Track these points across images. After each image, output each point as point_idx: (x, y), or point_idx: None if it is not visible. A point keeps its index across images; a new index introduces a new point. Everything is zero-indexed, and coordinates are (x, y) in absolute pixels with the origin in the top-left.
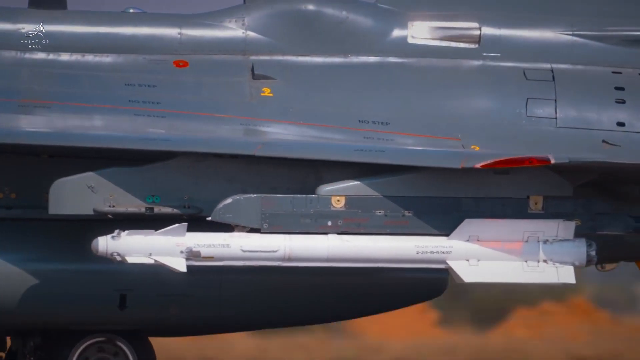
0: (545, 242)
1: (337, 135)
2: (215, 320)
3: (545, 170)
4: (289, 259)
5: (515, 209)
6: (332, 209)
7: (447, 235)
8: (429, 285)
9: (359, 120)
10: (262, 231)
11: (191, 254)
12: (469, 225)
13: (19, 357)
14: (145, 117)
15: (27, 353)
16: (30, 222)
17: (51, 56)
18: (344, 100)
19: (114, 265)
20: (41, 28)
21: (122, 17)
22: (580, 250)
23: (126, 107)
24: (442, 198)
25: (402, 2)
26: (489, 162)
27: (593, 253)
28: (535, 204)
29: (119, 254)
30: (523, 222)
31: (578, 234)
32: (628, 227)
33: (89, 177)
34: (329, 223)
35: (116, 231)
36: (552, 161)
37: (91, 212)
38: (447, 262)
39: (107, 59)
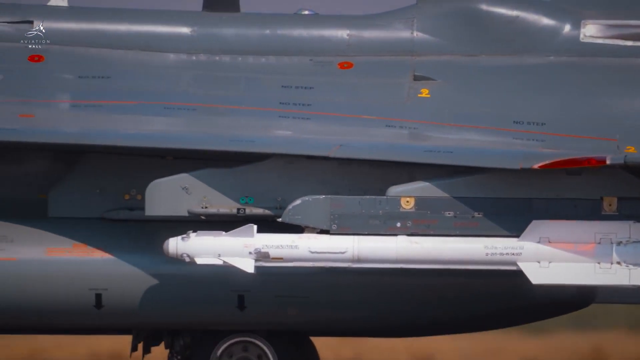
0: (619, 243)
1: (485, 136)
2: (330, 322)
3: (618, 171)
4: (358, 260)
5: (588, 210)
6: (402, 210)
7: (517, 236)
8: (575, 296)
9: (514, 122)
10: (331, 232)
11: (260, 255)
12: (539, 227)
13: (168, 355)
14: (285, 119)
15: (175, 352)
16: (158, 224)
17: (212, 58)
18: (501, 101)
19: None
20: (213, 31)
21: (293, 19)
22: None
23: (273, 109)
24: (513, 199)
25: (576, 0)
26: (547, 162)
27: None
28: (609, 205)
29: (188, 255)
30: (595, 223)
31: None
32: None
33: (184, 179)
34: (398, 224)
35: (187, 232)
36: (608, 162)
37: (185, 214)
38: (518, 263)
39: (270, 60)
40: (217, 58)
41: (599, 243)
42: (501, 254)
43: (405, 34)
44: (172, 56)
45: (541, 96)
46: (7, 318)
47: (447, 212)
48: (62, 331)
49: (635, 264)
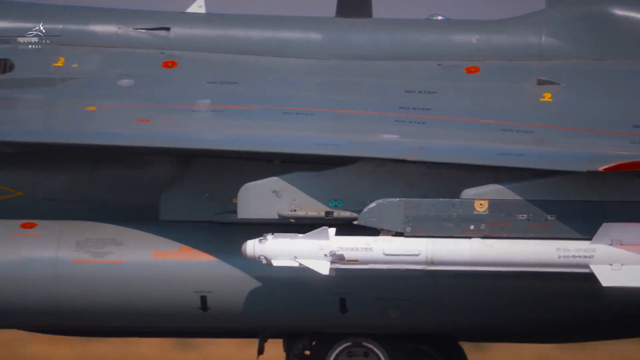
0: None
1: (602, 140)
2: (433, 325)
3: None
4: (431, 263)
5: None
6: (475, 213)
7: (589, 239)
8: None
9: (633, 125)
10: (405, 235)
11: (335, 257)
12: (610, 229)
13: (285, 358)
14: (400, 124)
15: (293, 355)
16: (264, 227)
17: (341, 63)
18: (623, 105)
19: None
20: (344, 36)
21: (423, 24)
22: None
23: (390, 114)
24: (585, 202)
25: None
26: (611, 165)
27: None
28: None
29: (265, 257)
30: None
31: None
32: None
33: (274, 182)
34: (472, 227)
35: (264, 235)
36: None
37: (276, 217)
38: (590, 266)
39: (398, 65)
40: (346, 63)
41: None
42: (573, 256)
43: (533, 38)
44: (300, 61)
45: None
46: (114, 320)
47: (520, 215)
48: (167, 334)
49: None
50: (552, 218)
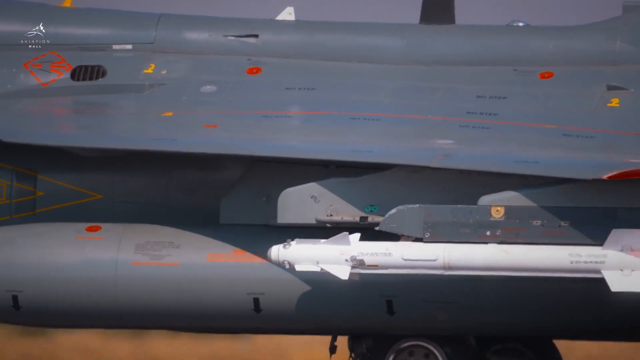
0: None
1: None
2: (480, 326)
3: None
4: (449, 268)
5: None
6: (491, 219)
7: (601, 245)
8: None
9: None
10: (424, 240)
11: (356, 262)
12: (620, 236)
13: (349, 358)
14: (463, 129)
15: (355, 355)
16: (317, 230)
17: (419, 69)
18: None
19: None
20: (425, 42)
21: (503, 30)
22: None
23: (456, 119)
24: (597, 208)
25: None
26: (615, 172)
27: None
28: None
29: (288, 262)
30: None
31: None
32: None
33: (312, 187)
34: (488, 233)
35: (288, 240)
36: None
37: (314, 222)
38: (602, 271)
39: (474, 70)
40: (425, 69)
41: None
42: (585, 262)
43: (608, 44)
44: (382, 67)
45: None
46: (170, 319)
47: (535, 221)
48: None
49: None
50: (566, 224)
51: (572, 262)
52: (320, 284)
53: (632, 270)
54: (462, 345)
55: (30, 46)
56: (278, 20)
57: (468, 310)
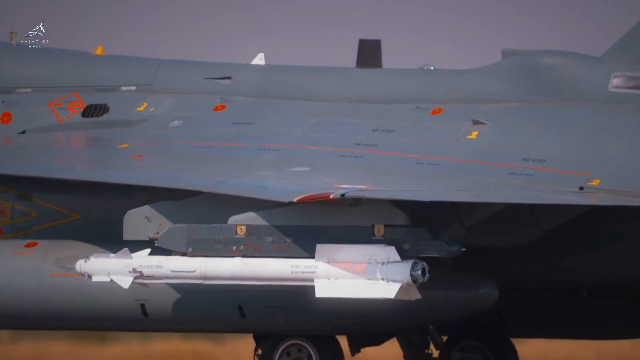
0: (383, 263)
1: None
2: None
3: (385, 203)
4: (205, 278)
5: (364, 235)
6: (237, 236)
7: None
8: None
9: (523, 159)
10: (187, 255)
11: (137, 274)
12: (323, 250)
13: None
14: (341, 158)
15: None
16: None
17: (340, 104)
18: (520, 140)
19: None
20: (355, 83)
21: (415, 73)
22: (405, 270)
23: (341, 149)
24: (312, 227)
25: None
26: (302, 196)
27: (417, 273)
28: (379, 231)
29: (87, 274)
30: (366, 246)
31: (411, 257)
32: (442, 251)
33: (146, 209)
34: (234, 247)
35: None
36: (331, 196)
37: (147, 239)
38: (314, 280)
39: (385, 107)
40: (347, 106)
41: (369, 263)
42: (302, 272)
43: (487, 85)
44: (314, 104)
45: None
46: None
47: (268, 238)
48: None
49: (393, 280)
50: (290, 240)
51: (293, 273)
52: (186, 292)
53: (336, 279)
54: (332, 344)
55: (55, 87)
56: (249, 65)
57: (297, 313)
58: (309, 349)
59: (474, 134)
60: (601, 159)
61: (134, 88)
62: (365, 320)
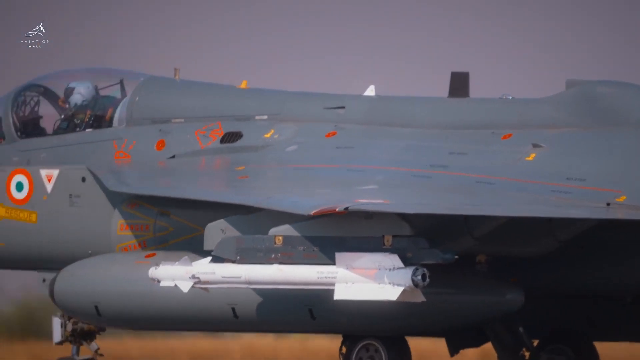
0: (390, 269)
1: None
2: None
3: (393, 216)
4: (249, 283)
5: (375, 245)
6: (275, 245)
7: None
8: None
9: (567, 178)
10: (236, 262)
11: (195, 279)
12: (342, 257)
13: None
14: (413, 177)
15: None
16: None
17: (430, 130)
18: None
19: None
20: (444, 111)
21: (493, 102)
22: (407, 275)
23: (416, 170)
24: (334, 237)
25: None
26: (318, 210)
27: (417, 278)
28: (387, 241)
29: (157, 279)
30: (377, 255)
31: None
32: (437, 258)
33: (221, 223)
34: (273, 256)
35: (158, 263)
36: (337, 209)
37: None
38: (335, 284)
39: (465, 132)
40: (435, 132)
41: (379, 269)
42: (326, 277)
43: (552, 112)
44: (409, 130)
45: None
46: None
47: (299, 247)
48: None
49: (398, 284)
50: (316, 249)
51: (318, 278)
52: (268, 296)
53: (353, 283)
54: (400, 344)
55: (202, 117)
56: (361, 95)
57: (360, 316)
58: (380, 348)
59: (531, 156)
60: (632, 179)
61: (265, 117)
62: (402, 322)
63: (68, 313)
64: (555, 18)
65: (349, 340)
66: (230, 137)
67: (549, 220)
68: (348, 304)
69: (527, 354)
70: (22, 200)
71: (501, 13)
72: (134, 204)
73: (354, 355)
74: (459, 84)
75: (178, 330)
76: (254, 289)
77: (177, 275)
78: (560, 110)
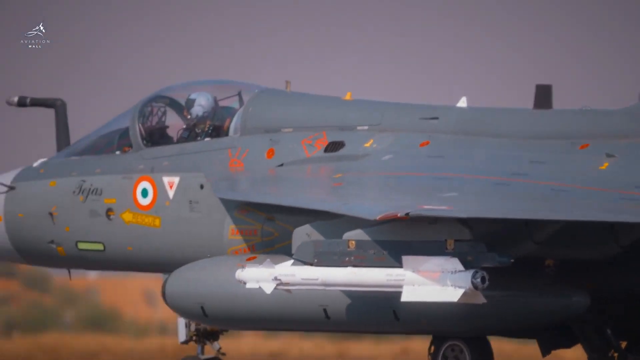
0: (452, 272)
1: None
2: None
3: (454, 221)
4: (325, 285)
5: (439, 248)
6: (348, 249)
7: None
8: None
9: None
10: (313, 265)
11: (277, 281)
12: (408, 260)
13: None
14: (494, 185)
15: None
16: None
17: (516, 140)
18: None
19: None
20: (529, 122)
21: (573, 113)
22: (467, 278)
23: (498, 178)
24: (402, 241)
25: None
26: (384, 215)
27: (477, 280)
28: (450, 245)
29: (243, 281)
30: (438, 258)
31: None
32: (494, 261)
33: (306, 228)
34: (346, 259)
35: (244, 265)
36: (398, 215)
37: None
38: (403, 286)
39: (545, 142)
40: (519, 142)
41: (442, 272)
42: (395, 279)
43: (625, 123)
44: (497, 140)
45: None
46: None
47: (370, 250)
48: None
49: (459, 287)
50: (385, 252)
51: (387, 280)
52: (355, 298)
53: (419, 285)
54: (483, 344)
55: (310, 127)
56: (454, 106)
57: (438, 317)
58: (464, 349)
59: (605, 165)
60: None
61: (366, 127)
62: (476, 323)
63: (178, 313)
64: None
65: (437, 341)
66: (333, 147)
67: (611, 225)
68: (428, 305)
69: (615, 355)
70: (147, 206)
71: (581, 28)
72: (244, 210)
73: (441, 354)
74: (543, 96)
75: (275, 330)
76: (344, 291)
77: (260, 277)
78: (634, 121)
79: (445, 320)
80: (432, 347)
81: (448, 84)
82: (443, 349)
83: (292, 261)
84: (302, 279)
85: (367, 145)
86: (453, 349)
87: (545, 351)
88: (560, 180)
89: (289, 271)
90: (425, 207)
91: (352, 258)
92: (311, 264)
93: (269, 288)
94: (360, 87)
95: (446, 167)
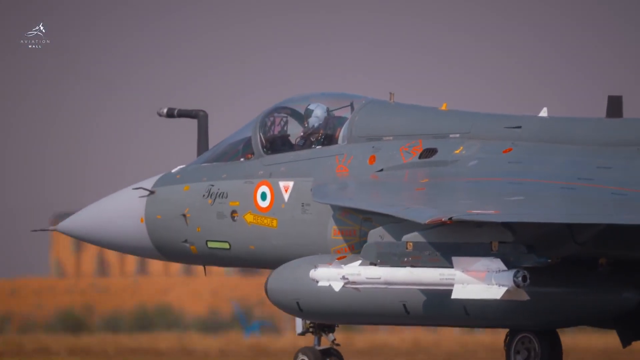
0: (496, 272)
1: None
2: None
3: (498, 224)
4: (387, 283)
5: (485, 249)
6: (406, 250)
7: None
8: None
9: None
10: (377, 265)
11: (345, 280)
12: (458, 261)
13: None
14: (560, 189)
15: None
16: None
17: (589, 147)
18: None
19: None
20: (600, 130)
21: None
22: (509, 277)
23: (565, 182)
24: (452, 243)
25: None
26: (434, 219)
27: (518, 279)
28: (494, 246)
29: (316, 280)
30: (484, 258)
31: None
32: (533, 262)
33: (379, 230)
34: (405, 259)
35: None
36: (443, 219)
37: None
38: (454, 285)
39: (612, 148)
40: (592, 148)
41: (488, 272)
42: (446, 278)
43: None
44: (571, 147)
45: None
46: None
47: (425, 252)
48: None
49: (502, 285)
50: (438, 254)
51: (440, 279)
52: (431, 295)
53: (468, 284)
54: (552, 337)
55: (408, 135)
56: (536, 116)
57: (499, 312)
58: (534, 340)
59: None
60: None
61: (458, 135)
62: (534, 316)
63: (278, 307)
64: None
65: (511, 333)
66: (427, 153)
67: None
68: (490, 301)
69: None
70: (266, 208)
71: None
72: (345, 212)
73: (514, 346)
74: (614, 106)
75: (362, 324)
76: (420, 289)
77: (330, 276)
78: None
79: (505, 314)
80: (507, 339)
81: (531, 95)
82: (516, 340)
83: (360, 261)
84: (367, 278)
85: (457, 152)
86: (523, 341)
87: (625, 342)
88: (622, 184)
89: (355, 271)
90: (471, 212)
91: (410, 258)
92: (375, 264)
93: (337, 286)
94: (455, 98)
95: (521, 173)
